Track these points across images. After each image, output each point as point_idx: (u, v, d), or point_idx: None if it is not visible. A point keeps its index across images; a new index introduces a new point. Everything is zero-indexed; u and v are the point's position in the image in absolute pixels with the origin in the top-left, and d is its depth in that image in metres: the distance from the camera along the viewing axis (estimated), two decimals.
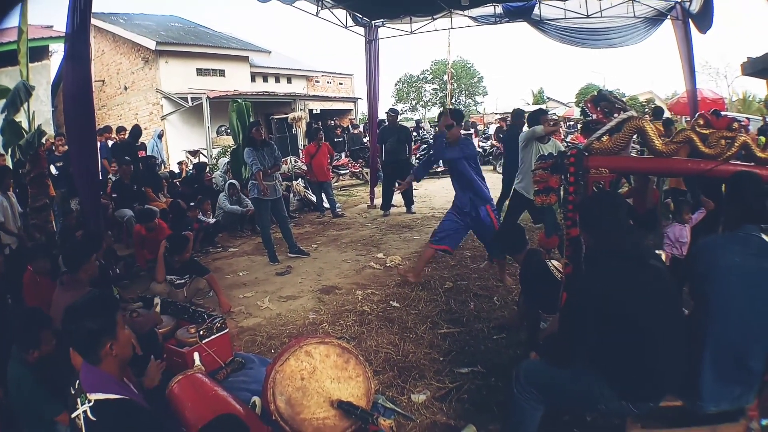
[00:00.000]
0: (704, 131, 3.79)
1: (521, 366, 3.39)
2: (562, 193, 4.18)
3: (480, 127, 27.83)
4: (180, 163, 16.12)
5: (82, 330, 2.50)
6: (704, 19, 11.04)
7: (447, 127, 6.64)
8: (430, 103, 58.67)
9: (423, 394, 4.46)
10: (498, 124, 23.94)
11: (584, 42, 12.95)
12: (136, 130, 12.94)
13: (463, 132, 22.14)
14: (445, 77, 48.58)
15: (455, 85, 54.90)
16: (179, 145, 20.65)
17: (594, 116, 4.17)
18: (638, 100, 33.81)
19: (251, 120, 12.02)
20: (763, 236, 3.04)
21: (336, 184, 16.79)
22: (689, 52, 12.04)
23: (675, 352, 2.96)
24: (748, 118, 16.42)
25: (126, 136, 12.57)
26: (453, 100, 53.27)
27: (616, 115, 4.03)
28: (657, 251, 4.87)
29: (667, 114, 17.42)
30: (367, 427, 3.15)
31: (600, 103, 4.15)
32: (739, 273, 2.92)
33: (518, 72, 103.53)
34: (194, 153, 18.60)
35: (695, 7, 11.27)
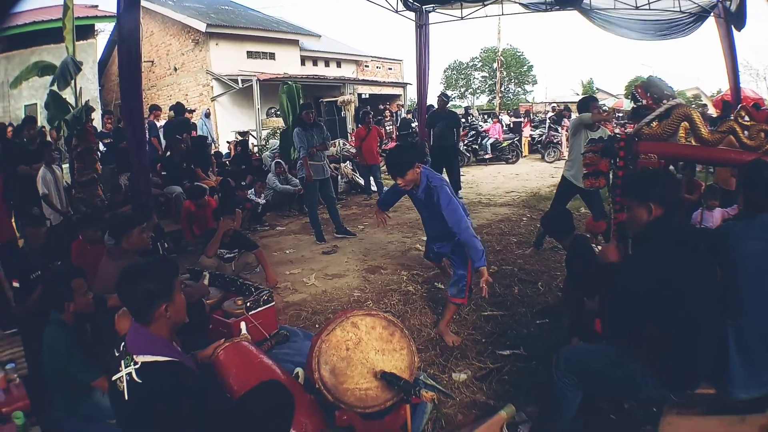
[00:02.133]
0: (746, 123, 3.79)
1: (562, 351, 3.35)
2: (611, 177, 4.16)
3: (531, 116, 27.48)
4: (229, 143, 16.33)
5: (139, 289, 2.54)
6: (739, 17, 11.34)
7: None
8: (479, 91, 58.24)
9: (464, 374, 4.50)
10: (553, 113, 23.71)
11: (632, 33, 12.96)
12: (179, 107, 13.04)
13: (514, 119, 22.01)
14: (495, 65, 48.22)
15: (504, 73, 54.37)
16: (229, 126, 20.93)
17: (644, 102, 4.13)
18: (685, 95, 33.20)
19: (301, 102, 12.10)
20: None
21: (384, 167, 16.81)
22: (732, 49, 12.16)
23: (713, 341, 2.94)
24: None
25: (173, 115, 12.77)
26: (502, 89, 52.83)
27: (665, 101, 4.01)
28: None
29: (711, 111, 17.32)
30: (409, 398, 3.18)
31: (650, 89, 4.12)
32: (761, 258, 2.91)
33: (568, 62, 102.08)
34: (244, 134, 18.80)
35: (733, 5, 11.47)
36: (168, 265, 2.86)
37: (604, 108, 9.08)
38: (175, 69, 24.12)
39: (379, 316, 3.59)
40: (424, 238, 8.50)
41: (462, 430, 3.68)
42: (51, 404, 3.74)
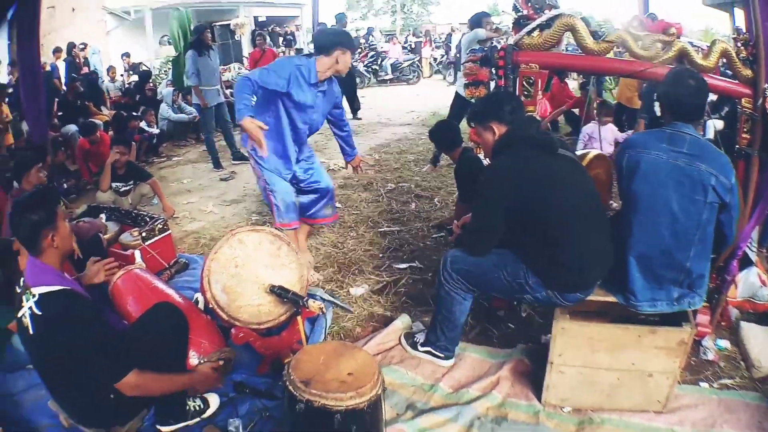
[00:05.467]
0: (638, 33, 3.85)
1: (448, 254, 3.38)
2: (492, 87, 4.23)
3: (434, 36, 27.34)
4: (122, 75, 15.81)
5: (25, 221, 2.55)
6: None
7: None
8: (381, 12, 57.45)
9: (362, 288, 4.61)
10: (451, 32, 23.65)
11: None
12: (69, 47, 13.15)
13: (415, 39, 21.64)
14: None
15: None
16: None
17: (524, 12, 4.19)
18: (594, 19, 33.69)
19: (196, 26, 11.71)
20: (697, 134, 2.97)
21: None
22: None
23: (597, 242, 2.99)
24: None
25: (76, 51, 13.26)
26: (405, 9, 52.29)
27: (546, 11, 4.07)
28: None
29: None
30: (299, 310, 3.26)
31: None
32: (666, 171, 2.86)
33: None
34: (137, 65, 18.15)
35: None
36: (48, 193, 2.88)
37: (496, 25, 9.16)
38: (73, 10, 22.96)
39: (264, 231, 3.63)
40: (323, 160, 8.55)
41: (360, 341, 3.79)
42: None
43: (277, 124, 4.22)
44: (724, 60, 3.75)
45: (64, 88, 11.51)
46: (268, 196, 4.42)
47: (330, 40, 4.22)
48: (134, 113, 10.21)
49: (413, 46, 23.24)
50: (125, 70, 16.42)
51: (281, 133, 4.27)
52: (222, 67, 12.94)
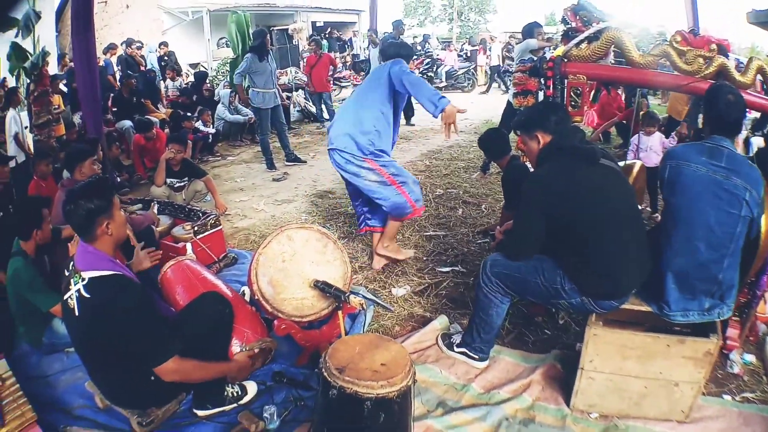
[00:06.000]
0: (682, 47, 3.88)
1: (489, 257, 3.48)
2: (540, 97, 4.31)
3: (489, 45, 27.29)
4: (180, 75, 16.13)
5: (81, 208, 2.66)
6: None
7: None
8: (438, 19, 57.53)
9: (403, 289, 4.72)
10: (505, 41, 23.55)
11: None
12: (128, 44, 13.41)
13: (471, 47, 21.54)
14: None
15: (464, 1, 53.71)
16: (181, 59, 20.55)
17: (573, 24, 4.26)
18: (649, 31, 33.24)
19: (257, 30, 11.98)
20: (733, 148, 3.00)
21: (338, 95, 16.75)
22: None
23: (634, 252, 3.02)
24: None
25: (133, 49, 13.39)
26: (462, 17, 52.29)
27: (594, 24, 4.13)
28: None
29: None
30: (340, 305, 3.38)
31: (579, 12, 4.24)
32: (705, 184, 2.89)
33: None
34: (195, 66, 18.55)
35: None
36: (105, 182, 3.01)
37: (548, 35, 9.15)
38: (127, 6, 23.46)
39: (312, 229, 3.77)
40: None
41: (398, 339, 3.88)
42: (17, 339, 3.92)
43: (395, 116, 4.80)
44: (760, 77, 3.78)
45: (119, 84, 11.72)
46: (398, 188, 4.71)
47: (393, 51, 4.82)
48: (189, 114, 10.50)
49: (468, 54, 23.23)
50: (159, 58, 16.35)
51: (397, 124, 4.89)
52: (279, 70, 13.19)
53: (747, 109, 3.34)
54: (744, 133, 6.45)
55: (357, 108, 4.71)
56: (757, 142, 5.50)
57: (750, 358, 3.63)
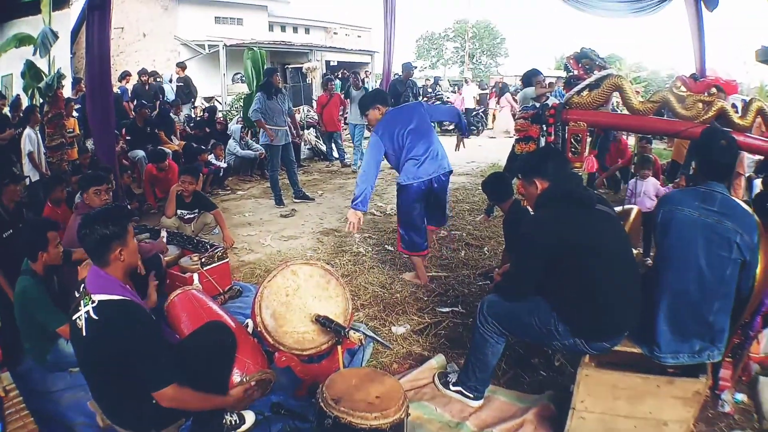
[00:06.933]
0: (681, 93, 4.00)
1: (486, 298, 3.56)
2: (543, 143, 4.42)
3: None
4: (195, 108, 16.33)
5: (96, 233, 2.74)
6: None
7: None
8: (450, 62, 58.31)
9: (403, 328, 4.79)
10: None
11: (596, 8, 12.91)
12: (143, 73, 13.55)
13: (480, 91, 21.64)
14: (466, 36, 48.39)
15: (476, 45, 54.52)
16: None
17: (575, 72, 4.39)
18: (659, 74, 33.71)
19: (266, 68, 12.19)
20: (727, 193, 3.10)
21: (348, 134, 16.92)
22: (699, 30, 12.02)
23: (627, 294, 3.10)
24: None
25: (147, 79, 13.35)
26: (474, 60, 53.01)
27: (596, 71, 4.26)
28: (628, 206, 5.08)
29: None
30: (341, 340, 3.46)
31: (581, 59, 4.36)
32: (697, 227, 2.98)
33: (543, 38, 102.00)
34: (209, 99, 18.80)
35: None
36: (121, 210, 3.08)
37: (551, 80, 9.32)
38: (144, 35, 23.90)
39: (316, 265, 3.87)
40: (381, 204, 8.82)
41: (396, 376, 3.94)
42: (23, 354, 4.02)
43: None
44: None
45: (133, 113, 11.86)
46: None
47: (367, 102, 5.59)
48: (202, 146, 10.65)
49: (478, 97, 23.45)
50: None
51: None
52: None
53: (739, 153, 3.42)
54: (747, 173, 6.56)
55: (435, 137, 5.47)
56: (759, 184, 5.58)
57: (741, 397, 3.68)
